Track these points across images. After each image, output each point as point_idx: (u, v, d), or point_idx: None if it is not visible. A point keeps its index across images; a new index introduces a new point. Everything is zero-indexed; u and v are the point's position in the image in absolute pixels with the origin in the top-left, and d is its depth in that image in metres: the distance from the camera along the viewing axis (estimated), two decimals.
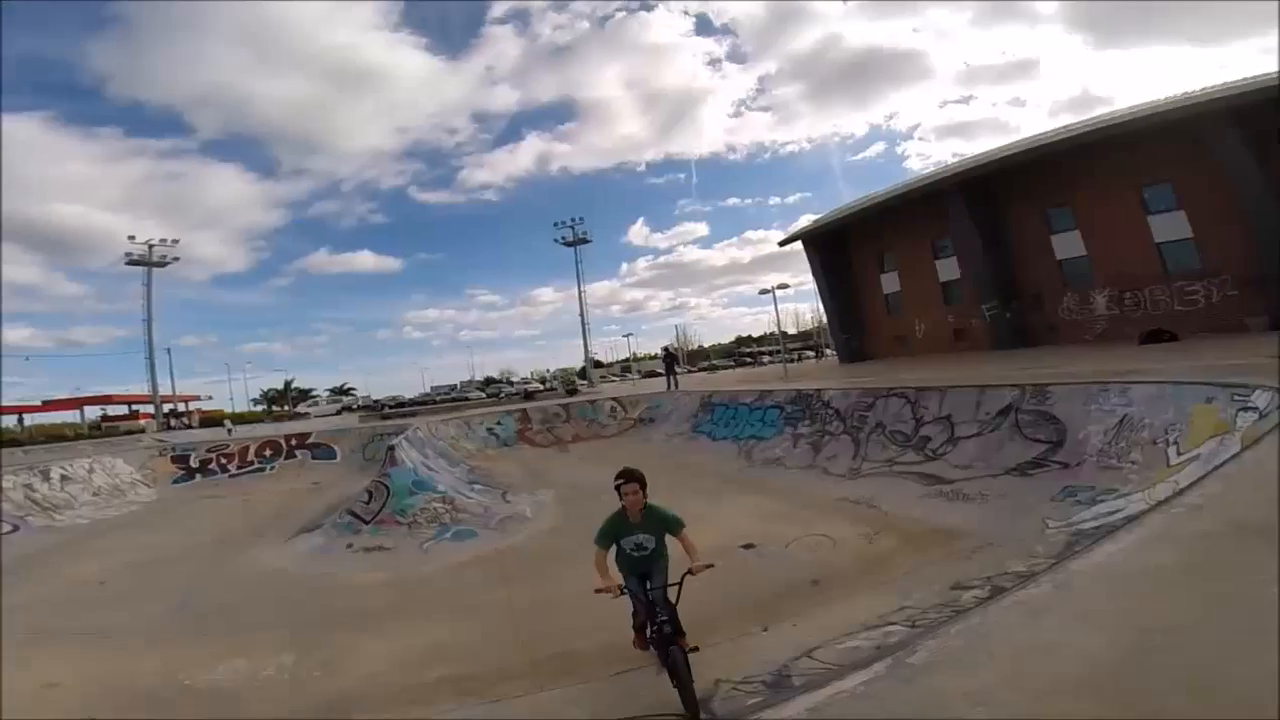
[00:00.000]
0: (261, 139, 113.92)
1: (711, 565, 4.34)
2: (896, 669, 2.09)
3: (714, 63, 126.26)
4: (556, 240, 44.66)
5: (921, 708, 1.79)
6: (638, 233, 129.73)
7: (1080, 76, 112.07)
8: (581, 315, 45.26)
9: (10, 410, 42.46)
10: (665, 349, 34.37)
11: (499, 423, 20.11)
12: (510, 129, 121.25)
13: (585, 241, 44.67)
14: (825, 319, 38.25)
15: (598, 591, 4.28)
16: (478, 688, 4.96)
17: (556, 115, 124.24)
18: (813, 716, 1.84)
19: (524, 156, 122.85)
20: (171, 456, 18.21)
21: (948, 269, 26.75)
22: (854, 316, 31.79)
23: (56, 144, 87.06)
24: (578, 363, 62.83)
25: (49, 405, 48.03)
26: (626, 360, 73.86)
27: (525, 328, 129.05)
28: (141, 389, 44.32)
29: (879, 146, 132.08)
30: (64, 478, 14.59)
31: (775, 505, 9.44)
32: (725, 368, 61.78)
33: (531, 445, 19.28)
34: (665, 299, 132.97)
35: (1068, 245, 22.08)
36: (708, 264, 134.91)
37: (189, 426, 37.74)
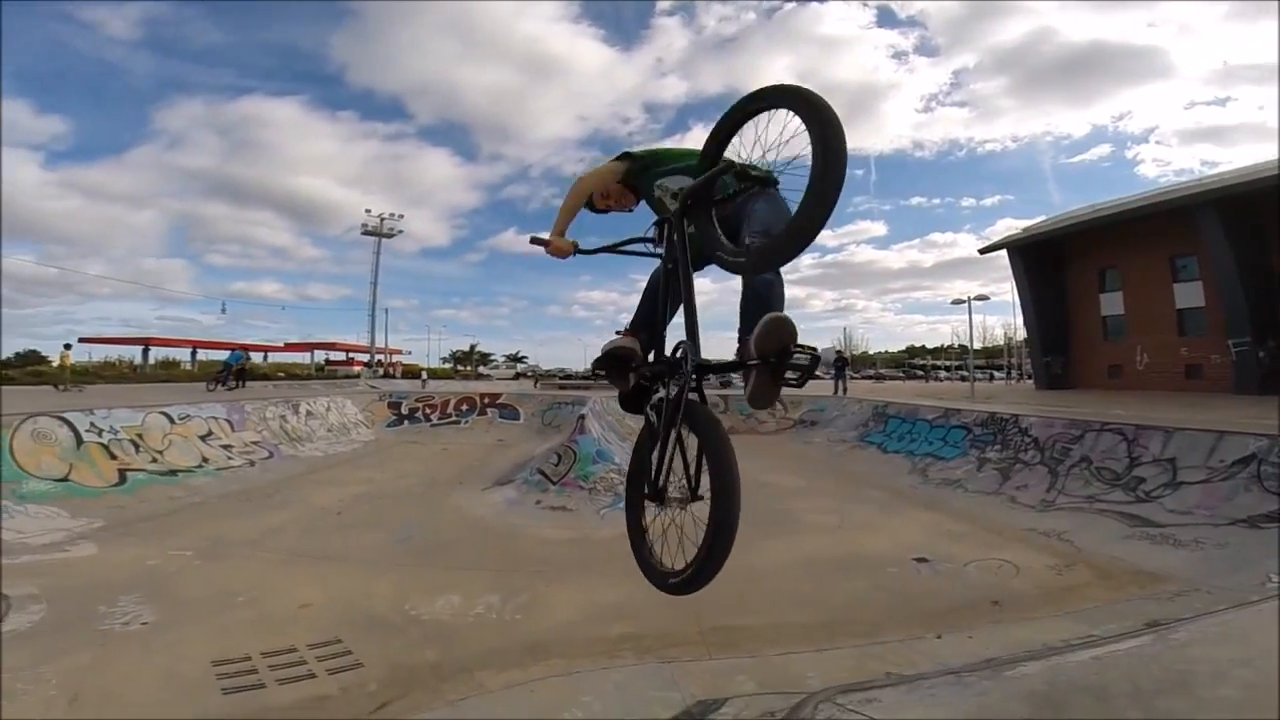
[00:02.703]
0: (467, 125, 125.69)
1: None
2: (1160, 641, 2.40)
3: (898, 56, 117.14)
4: None
5: (1193, 663, 2.10)
6: None
7: None
8: None
9: (260, 349, 51.32)
10: (838, 352, 33.22)
11: None
12: (678, 119, 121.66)
13: None
14: (1022, 336, 34.65)
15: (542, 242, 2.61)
16: (654, 647, 5.35)
17: (722, 106, 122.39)
18: (1100, 663, 2.15)
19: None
20: (388, 403, 21.03)
21: (1188, 294, 23.05)
22: (1061, 338, 28.41)
23: (309, 125, 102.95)
24: (731, 355, 62.62)
25: (289, 347, 57.42)
26: None
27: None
28: (355, 340, 51.58)
29: (1103, 149, 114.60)
30: (308, 413, 17.26)
31: (952, 525, 9.11)
32: (893, 378, 58.12)
33: None
34: (829, 299, 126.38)
35: None
36: (882, 266, 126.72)
37: (392, 376, 43.09)
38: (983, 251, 34.18)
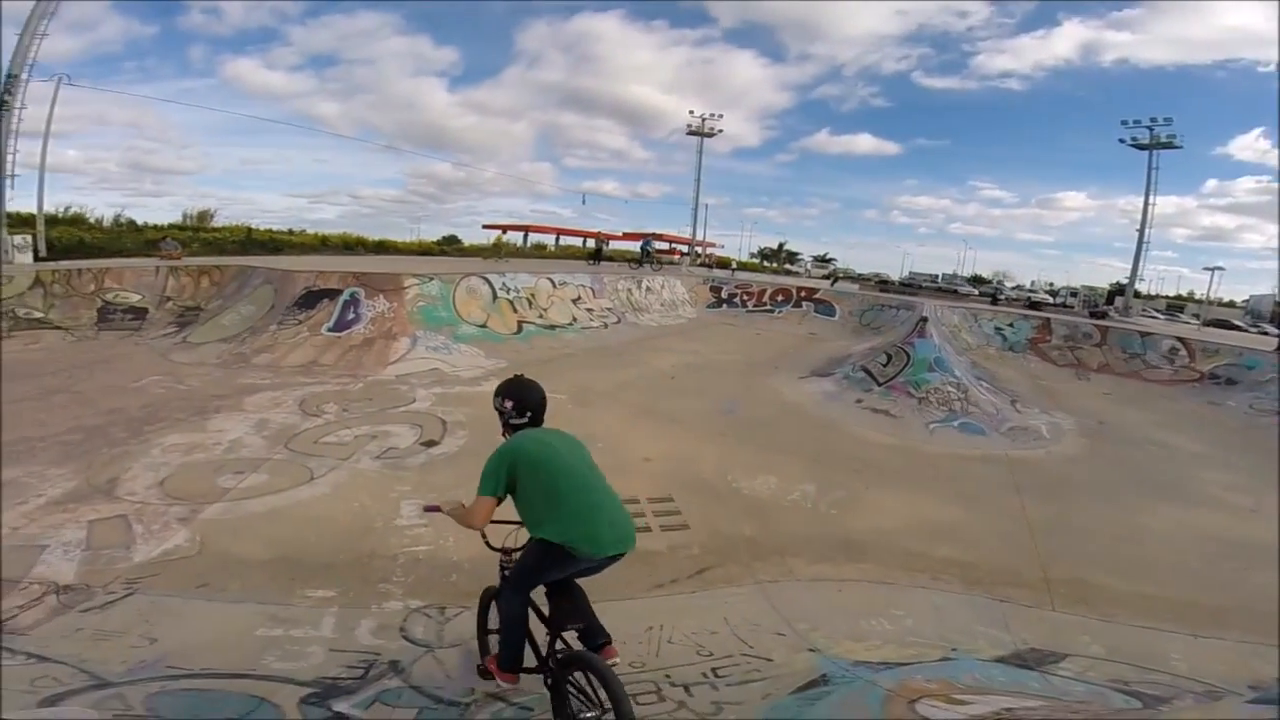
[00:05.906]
0: (771, 26, 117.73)
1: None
2: None
3: None
4: (1123, 140, 35.04)
5: None
6: (1247, 145, 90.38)
7: None
8: (1141, 232, 35.85)
9: (608, 237, 58.66)
10: None
11: (1011, 325, 18.00)
12: (1040, 14, 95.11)
13: (1172, 146, 34.06)
14: None
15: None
16: (985, 580, 4.80)
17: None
18: None
19: (1060, 44, 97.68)
20: (710, 286, 22.26)
21: None
22: None
23: (629, 36, 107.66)
24: (1097, 282, 51.41)
25: (625, 236, 64.48)
26: (1178, 298, 56.82)
27: (1033, 232, 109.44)
28: (676, 232, 55.62)
29: None
30: (647, 289, 19.43)
31: None
32: None
33: (1042, 360, 16.72)
34: (1272, 234, 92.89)
35: None
36: None
37: (708, 266, 45.46)
38: None
